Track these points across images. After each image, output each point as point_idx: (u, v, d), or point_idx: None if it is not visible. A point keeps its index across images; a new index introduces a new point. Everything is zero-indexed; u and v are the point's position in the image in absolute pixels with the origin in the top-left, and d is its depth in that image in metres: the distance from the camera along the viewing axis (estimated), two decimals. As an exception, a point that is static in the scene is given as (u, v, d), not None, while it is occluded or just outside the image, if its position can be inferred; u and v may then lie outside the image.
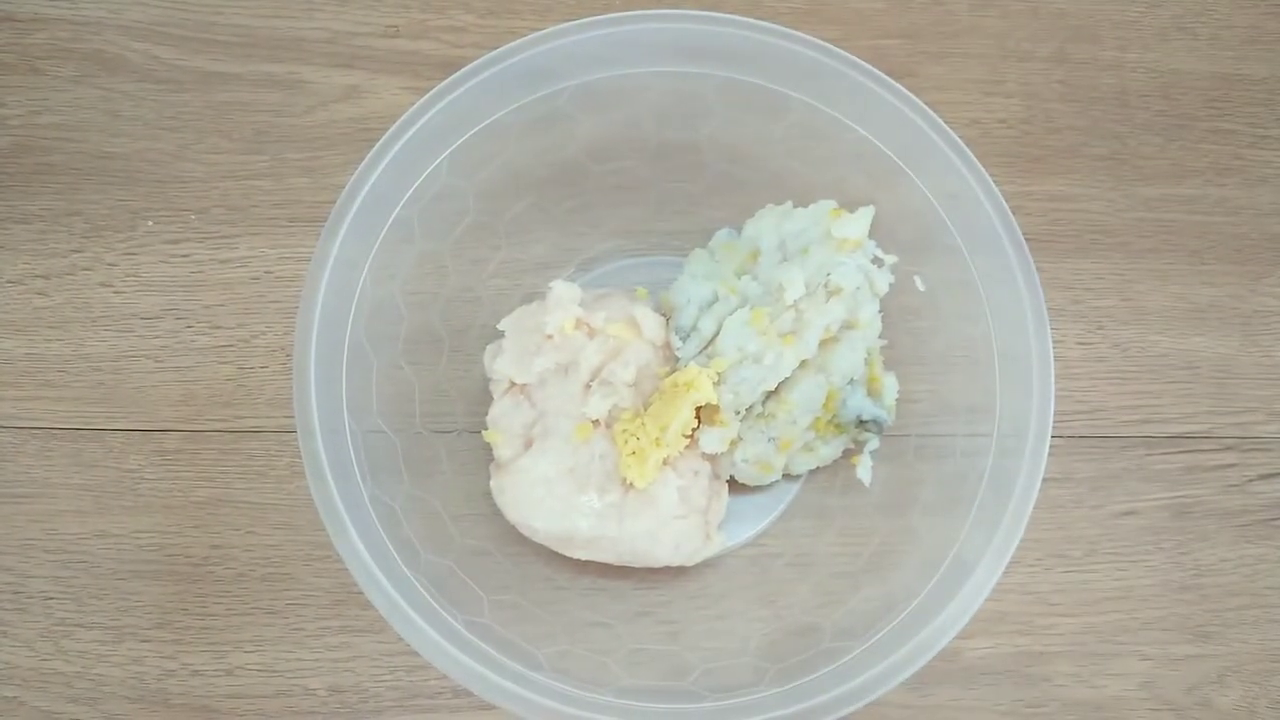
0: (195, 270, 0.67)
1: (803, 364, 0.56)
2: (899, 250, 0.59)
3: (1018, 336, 0.52)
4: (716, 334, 0.57)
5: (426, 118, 0.53)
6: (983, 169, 0.53)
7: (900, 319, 0.61)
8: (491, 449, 0.58)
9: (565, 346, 0.57)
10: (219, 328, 0.66)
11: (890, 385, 0.60)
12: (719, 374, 0.55)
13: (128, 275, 0.67)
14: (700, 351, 0.57)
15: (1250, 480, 0.66)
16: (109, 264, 0.67)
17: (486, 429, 0.58)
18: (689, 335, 0.57)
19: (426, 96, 0.53)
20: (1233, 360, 0.68)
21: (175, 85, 0.70)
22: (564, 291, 0.58)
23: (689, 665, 0.54)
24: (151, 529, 0.62)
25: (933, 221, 0.55)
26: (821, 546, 0.60)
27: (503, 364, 0.58)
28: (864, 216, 0.57)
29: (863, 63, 0.54)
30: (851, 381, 0.58)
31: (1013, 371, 0.52)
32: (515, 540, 0.58)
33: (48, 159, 0.68)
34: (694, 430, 0.56)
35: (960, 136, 0.54)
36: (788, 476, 0.62)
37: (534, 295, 0.63)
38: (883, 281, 0.59)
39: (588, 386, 0.57)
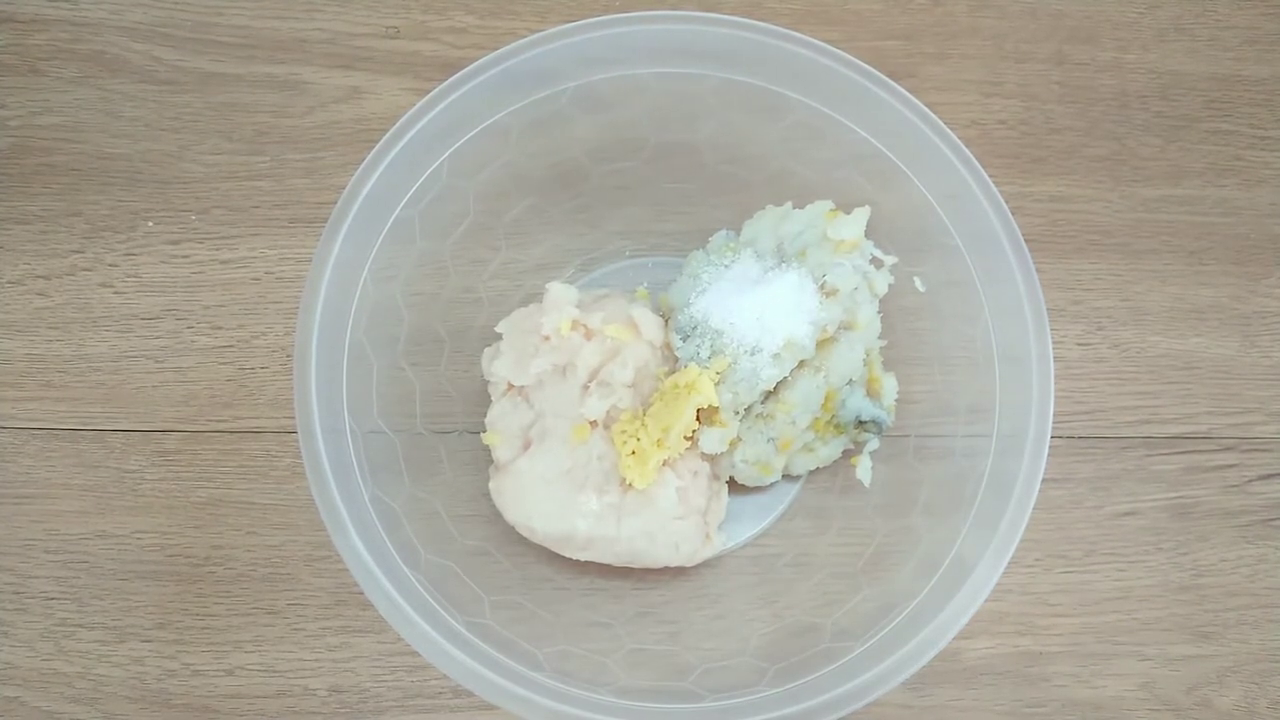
0: (196, 271, 0.67)
1: (801, 364, 0.57)
2: (899, 251, 0.59)
3: (1017, 337, 0.52)
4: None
5: (427, 119, 0.53)
6: (982, 170, 0.53)
7: (900, 319, 0.61)
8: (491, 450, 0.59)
9: (562, 348, 0.57)
10: (219, 328, 0.66)
11: (890, 386, 0.60)
12: (719, 374, 0.56)
13: (128, 276, 0.67)
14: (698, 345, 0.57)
15: (1250, 480, 0.66)
16: (109, 264, 0.67)
17: (486, 430, 0.59)
18: (689, 335, 0.57)
19: (427, 98, 0.53)
20: (1232, 361, 0.68)
21: (176, 86, 0.70)
22: (560, 293, 0.58)
23: (689, 665, 0.54)
24: (152, 529, 0.62)
25: (932, 222, 0.56)
26: (821, 547, 0.61)
27: (500, 366, 0.58)
28: (860, 218, 0.58)
29: (862, 64, 0.54)
30: (851, 382, 0.58)
31: (1012, 372, 0.53)
32: (516, 541, 0.58)
33: (48, 160, 0.69)
34: (694, 431, 0.57)
35: (960, 137, 0.54)
36: (788, 477, 0.62)
37: (534, 296, 0.63)
38: (882, 282, 0.59)
39: (586, 388, 0.57)
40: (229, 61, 0.71)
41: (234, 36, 0.71)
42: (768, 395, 0.57)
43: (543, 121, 0.57)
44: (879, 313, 0.59)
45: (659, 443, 0.55)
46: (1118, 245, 0.70)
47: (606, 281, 0.66)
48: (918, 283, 0.59)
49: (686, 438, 0.56)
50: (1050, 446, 0.50)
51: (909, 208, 0.56)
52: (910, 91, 0.54)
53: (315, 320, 0.50)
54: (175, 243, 0.67)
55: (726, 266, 0.58)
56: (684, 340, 0.57)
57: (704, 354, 0.56)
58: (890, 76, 0.54)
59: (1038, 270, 0.52)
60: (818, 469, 0.62)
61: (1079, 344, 0.68)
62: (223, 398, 0.65)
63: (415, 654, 0.47)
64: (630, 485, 0.56)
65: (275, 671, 0.60)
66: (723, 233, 0.62)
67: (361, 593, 0.48)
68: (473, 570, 0.55)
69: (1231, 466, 0.66)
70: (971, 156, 0.54)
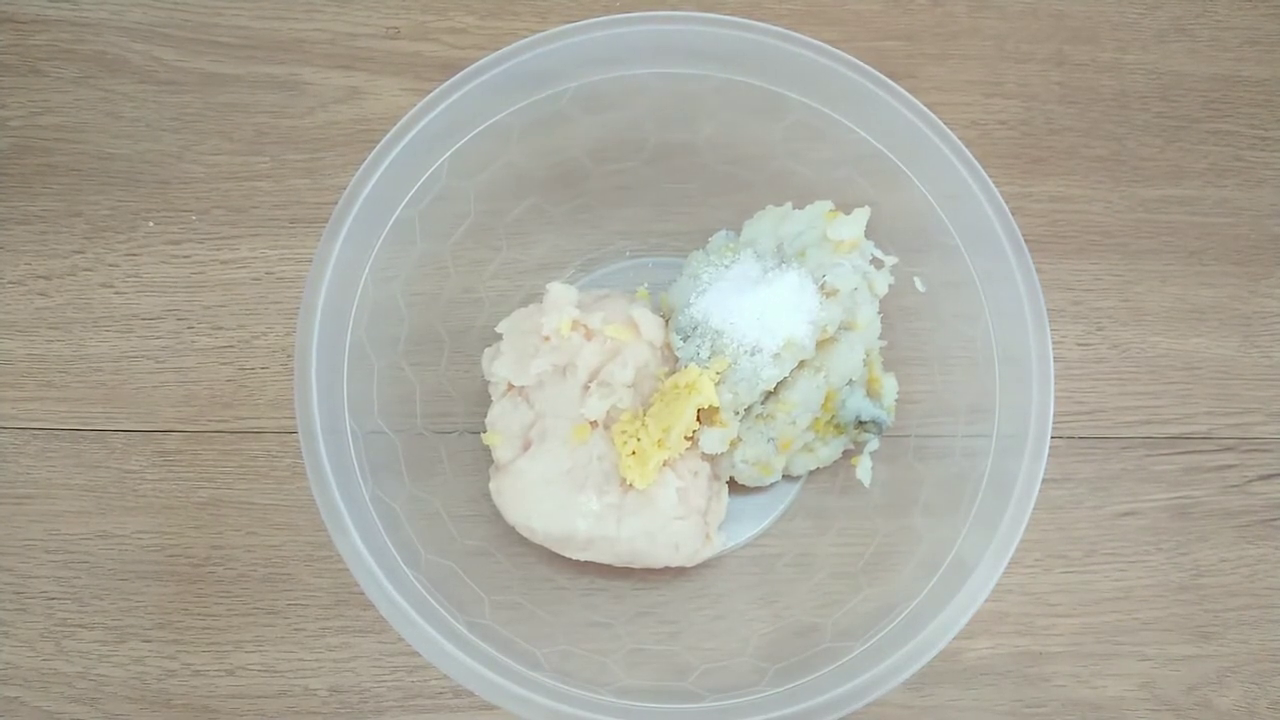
0: (196, 271, 0.67)
1: (801, 364, 0.57)
2: (899, 251, 0.59)
3: (1017, 337, 0.52)
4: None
5: (427, 119, 0.53)
6: (982, 170, 0.53)
7: (900, 319, 0.61)
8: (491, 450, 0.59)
9: (563, 348, 0.57)
10: (220, 328, 0.66)
11: (890, 386, 0.60)
12: (719, 374, 0.56)
13: (129, 276, 0.67)
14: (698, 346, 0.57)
15: (1250, 480, 0.66)
16: (110, 265, 0.67)
17: (486, 430, 0.59)
18: (689, 335, 0.57)
19: (427, 98, 0.53)
20: (1233, 361, 0.68)
21: (176, 87, 0.70)
22: (560, 293, 0.58)
23: (689, 665, 0.54)
24: (153, 529, 0.62)
25: (932, 222, 0.56)
26: (821, 547, 0.61)
27: (500, 366, 0.58)
28: (859, 218, 0.58)
29: (862, 64, 0.54)
30: (851, 382, 0.58)
31: (1013, 372, 0.53)
32: (516, 541, 0.58)
33: (49, 160, 0.69)
34: (694, 431, 0.57)
35: (960, 138, 0.54)
36: (788, 477, 0.62)
37: (535, 296, 0.63)
38: (882, 282, 0.59)
39: (586, 388, 0.57)
40: (229, 62, 0.71)
41: (234, 37, 0.71)
42: (768, 395, 0.57)
43: (543, 121, 0.57)
44: (879, 313, 0.59)
45: (659, 443, 0.55)
46: (1118, 245, 0.70)
47: (606, 281, 0.66)
48: (918, 283, 0.59)
49: (687, 438, 0.56)
50: (1050, 447, 0.50)
51: (909, 208, 0.56)
52: (910, 91, 0.54)
53: (316, 320, 0.50)
54: (176, 243, 0.67)
55: (726, 266, 0.58)
56: (684, 340, 0.57)
57: (704, 354, 0.56)
58: (890, 76, 0.54)
59: (1038, 270, 0.52)
60: (818, 469, 0.62)
61: (1079, 344, 0.68)
62: (223, 398, 0.65)
63: (415, 654, 0.47)
64: (630, 485, 0.56)
65: (275, 671, 0.60)
66: (723, 233, 0.62)
67: (362, 593, 0.48)
68: (473, 570, 0.55)
69: (1231, 466, 0.66)
70: (971, 156, 0.54)
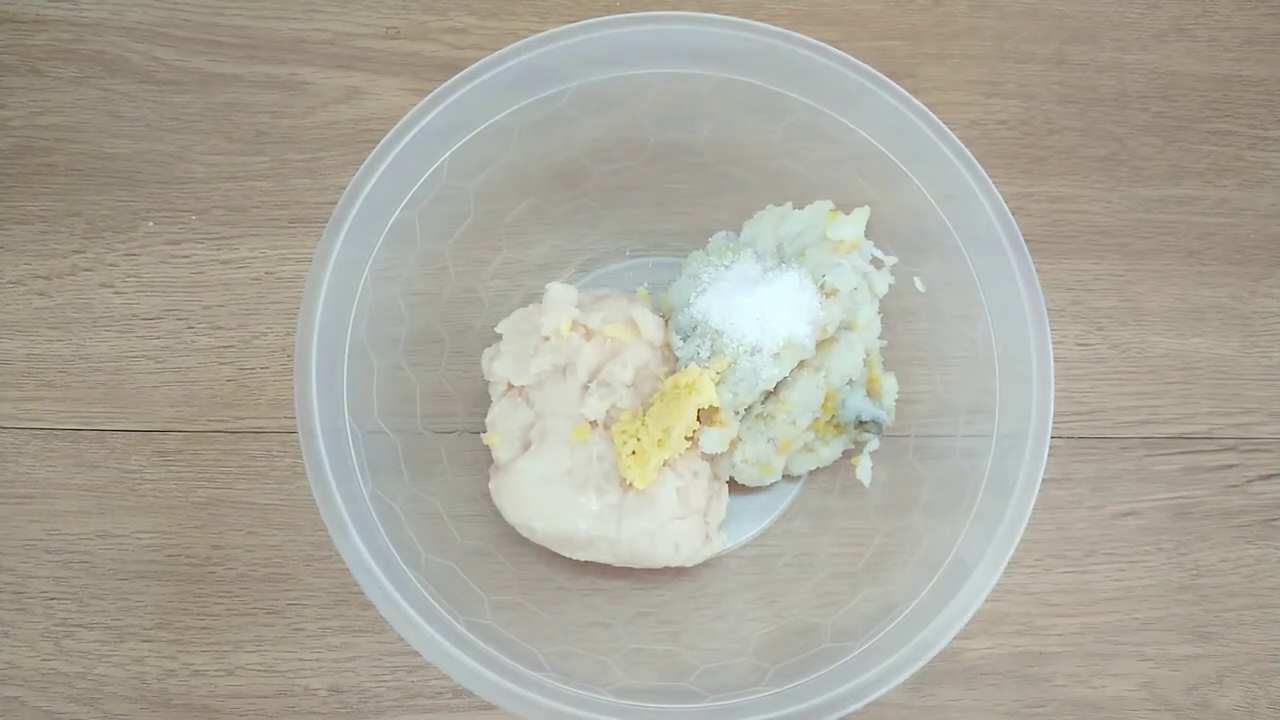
0: (196, 271, 0.67)
1: (801, 364, 0.57)
2: (899, 251, 0.59)
3: (1017, 337, 0.52)
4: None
5: (427, 119, 0.53)
6: (982, 170, 0.53)
7: (900, 319, 0.61)
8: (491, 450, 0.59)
9: (562, 348, 0.57)
10: (220, 328, 0.66)
11: (890, 386, 0.60)
12: (719, 374, 0.56)
13: (128, 276, 0.67)
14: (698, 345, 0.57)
15: (1250, 480, 0.66)
16: (110, 264, 0.67)
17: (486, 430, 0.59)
18: (689, 335, 0.57)
19: (427, 98, 0.53)
20: (1232, 361, 0.68)
21: (176, 86, 0.70)
22: (560, 293, 0.58)
23: (689, 665, 0.54)
24: (152, 529, 0.62)
25: (932, 222, 0.56)
26: (821, 547, 0.61)
27: (500, 366, 0.58)
28: (859, 218, 0.58)
29: (862, 64, 0.54)
30: (851, 382, 0.58)
31: (1012, 372, 0.53)
32: (516, 541, 0.58)
33: (49, 160, 0.69)
34: (694, 431, 0.56)
35: (960, 137, 0.54)
36: (788, 477, 0.62)
37: (535, 296, 0.63)
38: (882, 282, 0.59)
39: (586, 388, 0.57)
40: (229, 61, 0.71)
41: (234, 37, 0.71)
42: (768, 395, 0.57)
43: (543, 121, 0.57)
44: (879, 313, 0.59)
45: (659, 443, 0.55)
46: (1118, 245, 0.70)
47: (606, 281, 0.66)
48: (918, 283, 0.59)
49: (687, 438, 0.56)
50: (1050, 446, 0.50)
51: (909, 208, 0.56)
52: (910, 91, 0.54)
53: (315, 320, 0.50)
54: (175, 243, 0.67)
55: (726, 266, 0.58)
56: (684, 340, 0.57)
57: (704, 354, 0.56)
58: (890, 76, 0.54)
59: (1038, 270, 0.52)
60: (818, 469, 0.62)
61: (1079, 344, 0.68)
62: (223, 398, 0.65)
63: (415, 654, 0.47)
64: (630, 485, 0.56)
65: (275, 671, 0.60)
66: (722, 233, 0.62)
67: (361, 593, 0.48)
68: (473, 570, 0.55)
69: (1231, 466, 0.66)
70: (971, 156, 0.54)
